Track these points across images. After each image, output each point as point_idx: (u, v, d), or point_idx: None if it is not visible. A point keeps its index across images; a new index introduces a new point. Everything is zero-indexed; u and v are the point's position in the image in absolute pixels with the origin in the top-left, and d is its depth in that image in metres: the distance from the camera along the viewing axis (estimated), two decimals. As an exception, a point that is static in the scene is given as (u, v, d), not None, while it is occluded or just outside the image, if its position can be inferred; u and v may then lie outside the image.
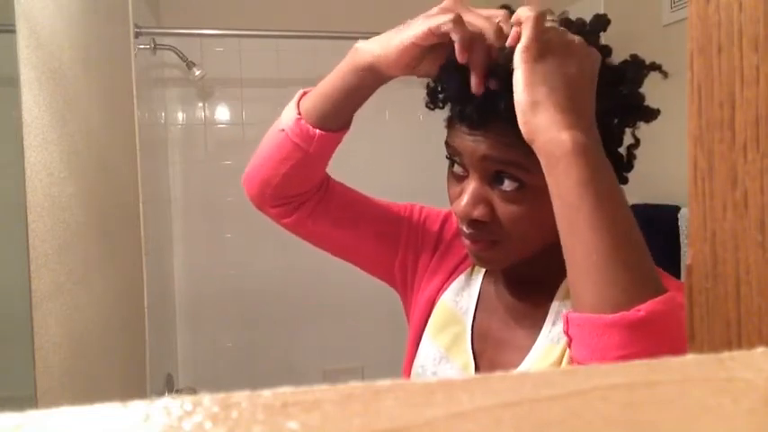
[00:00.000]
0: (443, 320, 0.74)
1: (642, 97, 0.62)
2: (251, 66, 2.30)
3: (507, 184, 0.60)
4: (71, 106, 1.15)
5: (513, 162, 0.59)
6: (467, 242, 0.65)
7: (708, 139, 0.23)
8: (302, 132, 0.72)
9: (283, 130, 0.73)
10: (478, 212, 0.62)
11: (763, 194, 0.21)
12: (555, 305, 0.66)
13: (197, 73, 2.12)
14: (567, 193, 0.49)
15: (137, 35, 1.75)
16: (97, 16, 1.37)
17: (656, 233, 1.63)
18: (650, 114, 0.63)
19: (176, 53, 2.11)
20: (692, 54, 0.24)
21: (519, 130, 0.57)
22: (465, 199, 0.62)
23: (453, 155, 0.64)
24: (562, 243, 0.50)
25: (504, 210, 0.61)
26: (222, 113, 2.32)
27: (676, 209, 1.58)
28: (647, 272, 0.47)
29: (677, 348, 0.44)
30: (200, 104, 2.30)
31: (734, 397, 0.15)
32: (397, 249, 0.80)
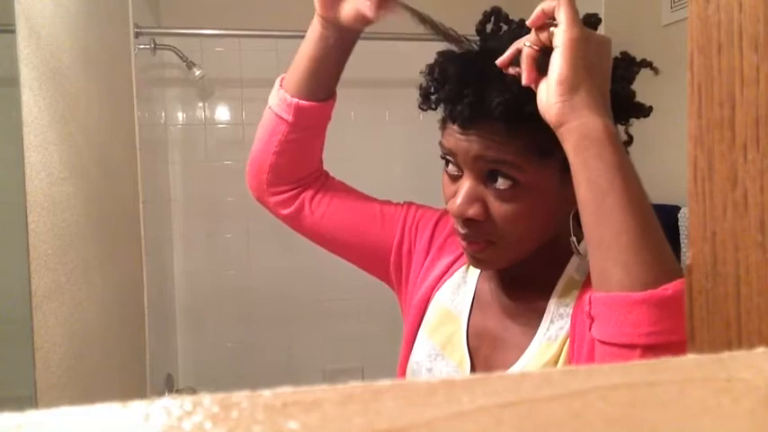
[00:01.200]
0: (439, 319, 0.74)
1: (633, 94, 0.62)
2: (251, 66, 2.30)
3: (501, 183, 0.60)
4: (71, 106, 1.15)
5: (505, 161, 0.59)
6: (463, 243, 0.65)
7: (708, 139, 0.23)
8: (282, 102, 0.75)
9: (269, 107, 0.77)
10: (473, 211, 0.62)
11: (763, 194, 0.21)
12: (552, 304, 0.66)
13: (197, 73, 2.12)
14: (597, 176, 0.50)
15: (137, 35, 1.75)
16: (97, 16, 1.37)
17: (656, 233, 1.63)
18: (641, 111, 0.63)
19: (176, 53, 2.11)
20: (692, 54, 0.24)
21: (511, 129, 0.58)
22: (459, 198, 0.62)
23: (447, 155, 0.64)
24: (586, 227, 0.51)
25: (499, 208, 0.61)
26: (222, 113, 2.32)
27: (676, 209, 1.58)
28: (669, 253, 0.49)
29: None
30: (200, 104, 2.30)
31: (734, 397, 0.15)
32: (392, 247, 0.81)
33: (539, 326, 0.65)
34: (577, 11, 0.53)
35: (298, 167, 0.79)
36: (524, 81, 0.55)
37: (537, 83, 0.54)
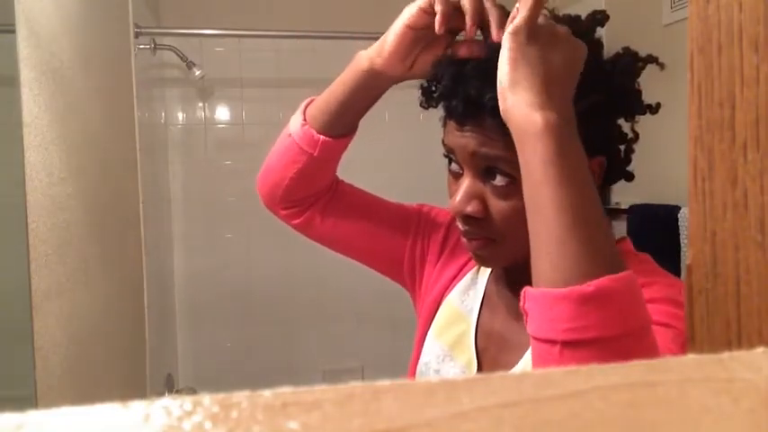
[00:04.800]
0: (448, 320, 0.74)
1: (637, 90, 0.62)
2: (251, 66, 2.30)
3: (499, 180, 0.60)
4: (71, 106, 1.15)
5: (501, 157, 0.59)
6: (464, 240, 0.66)
7: (708, 139, 0.23)
8: (306, 137, 0.74)
9: (291, 135, 0.76)
10: (471, 208, 0.62)
11: (763, 194, 0.21)
12: None
13: (197, 73, 2.12)
14: (533, 171, 0.49)
15: (137, 35, 1.75)
16: (97, 16, 1.37)
17: (656, 233, 1.63)
18: (645, 107, 0.63)
19: (176, 53, 2.11)
20: (692, 54, 0.24)
21: (506, 125, 0.58)
22: (458, 195, 0.63)
23: (449, 153, 0.65)
24: (528, 220, 0.51)
25: (497, 205, 0.61)
26: (222, 113, 2.32)
27: (676, 209, 1.58)
28: (603, 250, 0.48)
29: (629, 326, 0.44)
30: (200, 104, 2.30)
31: (734, 397, 0.15)
32: (405, 249, 0.81)
33: None
34: (538, 12, 0.53)
35: (312, 187, 0.79)
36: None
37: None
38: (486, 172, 0.61)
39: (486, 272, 0.75)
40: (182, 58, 2.11)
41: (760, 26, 0.21)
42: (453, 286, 0.76)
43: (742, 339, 0.22)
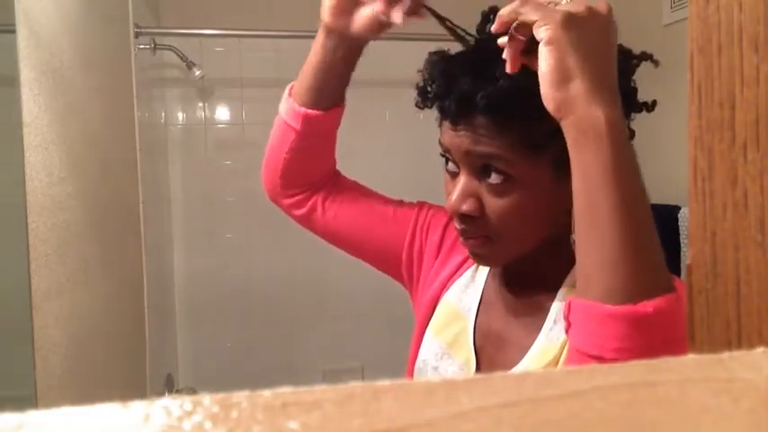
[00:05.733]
0: (446, 318, 0.74)
1: (632, 88, 0.62)
2: (251, 66, 2.30)
3: (494, 178, 0.60)
4: (71, 106, 1.15)
5: (495, 155, 0.59)
6: (462, 239, 0.66)
7: (708, 139, 0.23)
8: (290, 111, 0.76)
9: (279, 113, 0.78)
10: (467, 207, 0.62)
11: (763, 194, 0.21)
12: (556, 305, 0.65)
13: (197, 73, 2.12)
14: (592, 175, 0.47)
15: (137, 35, 1.75)
16: (97, 16, 1.37)
17: (656, 233, 1.63)
18: (644, 106, 0.62)
19: (176, 53, 2.11)
20: (692, 54, 0.24)
21: (500, 122, 0.57)
22: (454, 194, 0.62)
23: (445, 152, 0.65)
24: (577, 225, 0.49)
25: (493, 203, 0.61)
26: (222, 113, 2.32)
27: (676, 209, 1.58)
28: (660, 266, 0.46)
29: (674, 350, 0.43)
30: (200, 104, 2.30)
31: (734, 397, 0.15)
32: (404, 246, 0.81)
33: (542, 326, 0.65)
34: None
35: (309, 171, 0.80)
36: (508, 69, 0.53)
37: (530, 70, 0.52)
38: (481, 170, 0.61)
39: (484, 270, 0.75)
40: (182, 58, 2.11)
41: (760, 26, 0.21)
42: (451, 284, 0.76)
43: (742, 339, 0.22)
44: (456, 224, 0.65)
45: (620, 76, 0.59)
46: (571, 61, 0.47)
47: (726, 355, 0.17)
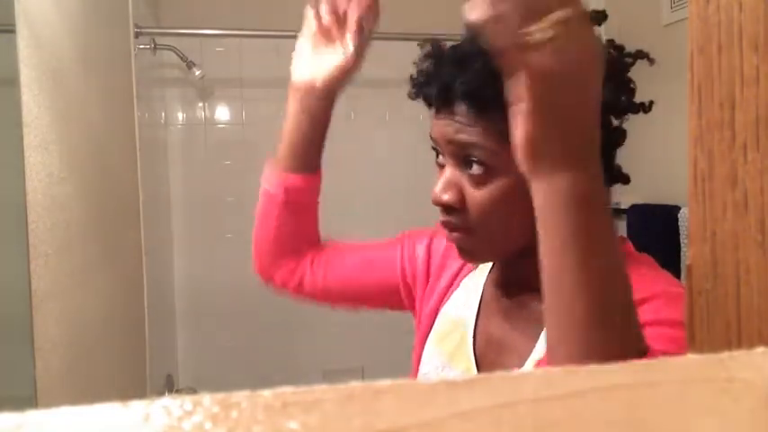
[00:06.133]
0: (446, 329, 0.74)
1: (629, 88, 0.60)
2: (251, 66, 2.30)
3: (475, 168, 0.59)
4: (71, 106, 1.15)
5: (476, 144, 0.58)
6: (446, 232, 0.65)
7: (708, 139, 0.23)
8: (269, 177, 0.79)
9: (261, 185, 0.81)
10: (448, 197, 0.61)
11: (763, 194, 0.21)
12: None
13: (197, 73, 2.12)
14: (554, 242, 0.43)
15: (137, 35, 1.75)
16: (97, 16, 1.37)
17: (656, 233, 1.63)
18: (638, 106, 0.61)
19: (176, 53, 2.11)
20: (692, 54, 0.24)
21: (479, 111, 0.57)
22: (438, 185, 0.62)
23: (434, 144, 0.65)
24: (543, 284, 0.44)
25: (473, 195, 0.61)
26: (222, 113, 2.32)
27: (676, 209, 1.58)
28: (629, 334, 0.43)
29: None
30: (200, 104, 2.30)
31: (734, 397, 0.15)
32: (397, 279, 0.82)
33: (541, 334, 0.64)
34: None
35: (295, 242, 0.83)
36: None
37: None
38: (464, 161, 0.61)
39: (482, 276, 0.75)
40: (182, 58, 2.11)
41: (760, 26, 0.21)
42: (449, 296, 0.76)
43: (742, 339, 0.22)
44: (441, 217, 0.64)
45: (613, 75, 0.57)
46: (550, 131, 0.41)
47: (726, 355, 0.17)
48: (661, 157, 1.56)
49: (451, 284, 0.77)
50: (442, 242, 0.80)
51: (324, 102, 0.74)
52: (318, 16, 0.71)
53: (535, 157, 0.41)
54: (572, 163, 0.41)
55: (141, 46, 1.88)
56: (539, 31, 0.37)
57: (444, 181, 0.62)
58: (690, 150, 0.24)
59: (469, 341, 0.71)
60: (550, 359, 0.46)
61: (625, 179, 0.63)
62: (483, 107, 0.57)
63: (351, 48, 0.70)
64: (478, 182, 0.60)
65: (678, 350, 0.49)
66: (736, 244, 0.22)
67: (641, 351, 0.43)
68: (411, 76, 0.67)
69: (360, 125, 2.33)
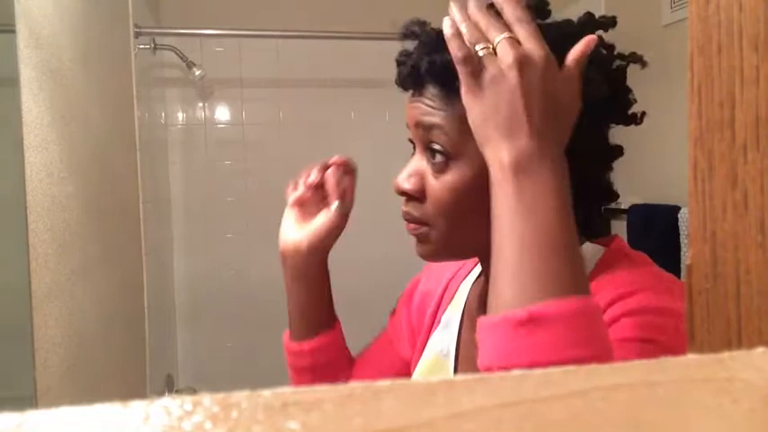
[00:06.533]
0: (428, 368, 0.72)
1: (625, 98, 0.59)
2: (251, 66, 2.30)
3: (437, 157, 0.57)
4: (71, 106, 1.15)
5: (438, 126, 0.57)
6: (405, 224, 0.63)
7: (708, 139, 0.23)
8: (289, 348, 0.81)
9: (288, 366, 0.83)
10: (409, 185, 0.60)
11: (763, 194, 0.21)
12: None
13: (197, 73, 2.12)
14: (498, 211, 0.47)
15: (137, 35, 1.75)
16: (97, 16, 1.37)
17: (656, 233, 1.63)
18: (629, 118, 0.59)
19: (176, 53, 2.11)
20: (692, 54, 0.24)
21: (447, 94, 0.56)
22: (402, 173, 0.61)
23: (409, 135, 0.63)
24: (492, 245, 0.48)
25: (430, 184, 0.59)
26: (222, 113, 2.32)
27: (676, 209, 1.58)
28: (560, 279, 0.44)
29: (568, 355, 0.40)
30: (200, 104, 2.30)
31: (734, 397, 0.15)
32: (407, 342, 0.83)
33: None
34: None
35: (335, 380, 0.83)
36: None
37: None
38: (429, 148, 0.59)
39: (459, 306, 0.73)
40: (182, 58, 2.11)
41: (760, 26, 0.21)
42: (432, 333, 0.75)
43: (742, 339, 0.22)
44: (402, 207, 0.62)
45: (601, 78, 0.55)
46: (489, 122, 0.48)
47: (726, 355, 0.17)
48: (661, 157, 1.56)
49: (432, 322, 0.76)
50: (418, 291, 0.80)
51: (314, 261, 0.74)
52: (298, 190, 0.74)
53: (474, 130, 0.49)
54: (504, 135, 0.47)
55: (141, 46, 1.88)
56: (482, 49, 0.48)
57: (408, 168, 0.61)
58: (690, 150, 0.24)
59: (451, 366, 0.69)
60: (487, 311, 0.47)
61: (613, 196, 0.61)
62: (449, 90, 0.55)
63: (332, 210, 0.72)
64: (438, 170, 0.58)
65: (664, 337, 0.49)
66: (736, 244, 0.22)
67: (578, 294, 0.44)
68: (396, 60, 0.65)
69: (360, 125, 2.33)
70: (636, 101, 0.59)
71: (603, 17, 0.59)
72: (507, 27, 0.49)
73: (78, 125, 1.19)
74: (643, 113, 0.60)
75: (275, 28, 2.10)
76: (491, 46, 0.48)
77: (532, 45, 0.48)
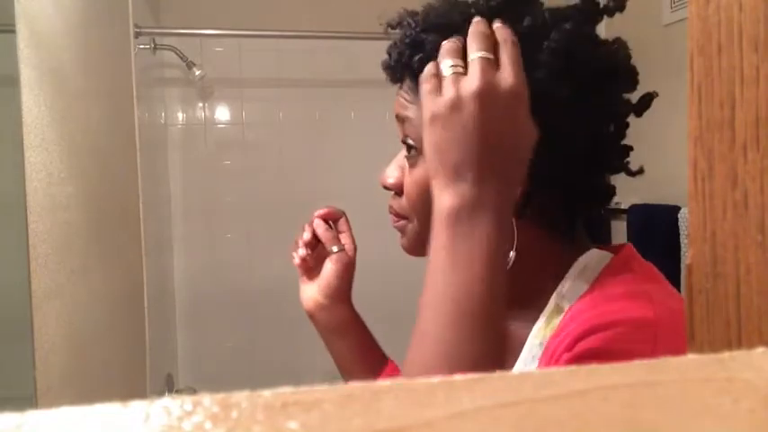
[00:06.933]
0: None
1: (602, 102, 0.55)
2: (251, 66, 2.30)
3: (411, 151, 0.57)
4: (71, 106, 1.15)
5: (407, 119, 0.56)
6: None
7: (708, 139, 0.23)
8: None
9: None
10: (390, 180, 0.61)
11: (763, 194, 0.21)
12: (531, 336, 0.56)
13: (197, 73, 2.12)
14: (431, 268, 0.47)
15: (137, 35, 1.75)
16: (97, 16, 1.37)
17: (656, 233, 1.63)
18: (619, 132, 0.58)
19: (176, 53, 2.11)
20: (692, 54, 0.24)
21: (417, 87, 0.54)
22: (389, 166, 0.62)
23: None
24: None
25: (405, 179, 0.59)
26: (222, 113, 2.32)
27: (676, 209, 1.58)
28: (477, 351, 0.44)
29: None
30: (200, 104, 2.30)
31: (734, 397, 0.15)
32: None
33: (518, 357, 0.57)
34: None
35: None
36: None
37: None
38: (405, 142, 0.58)
39: None
40: (182, 58, 2.11)
41: (760, 26, 0.21)
42: None
43: (742, 339, 0.22)
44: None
45: (586, 91, 0.52)
46: (435, 157, 0.47)
47: (726, 355, 0.17)
48: (661, 157, 1.56)
49: None
50: None
51: (339, 311, 0.75)
52: (300, 256, 0.76)
53: (426, 156, 0.48)
54: (450, 176, 0.46)
55: (141, 46, 1.88)
56: (450, 66, 0.46)
57: (392, 163, 0.61)
58: (690, 150, 0.24)
59: None
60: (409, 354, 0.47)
61: (610, 192, 0.60)
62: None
63: (332, 255, 0.74)
64: (411, 165, 0.57)
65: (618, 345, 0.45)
66: (736, 244, 0.22)
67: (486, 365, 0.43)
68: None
69: (360, 125, 2.33)
70: (638, 81, 0.57)
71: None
72: (495, 44, 0.47)
73: (78, 125, 1.19)
74: (649, 96, 0.57)
75: (275, 28, 2.10)
76: (461, 66, 0.46)
77: (508, 73, 0.45)
